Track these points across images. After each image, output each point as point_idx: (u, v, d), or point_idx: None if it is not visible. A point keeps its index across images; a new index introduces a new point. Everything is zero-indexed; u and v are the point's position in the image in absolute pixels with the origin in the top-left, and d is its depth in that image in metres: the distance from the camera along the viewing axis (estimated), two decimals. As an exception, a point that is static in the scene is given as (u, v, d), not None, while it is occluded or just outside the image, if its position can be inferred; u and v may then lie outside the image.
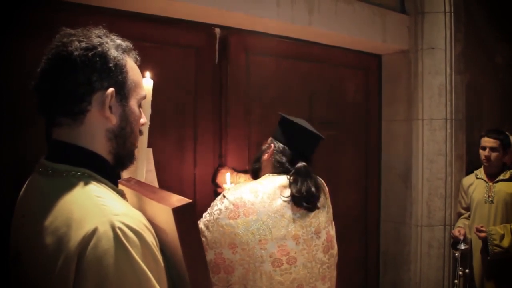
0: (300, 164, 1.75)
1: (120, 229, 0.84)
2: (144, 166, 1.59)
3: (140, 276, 0.84)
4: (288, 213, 1.66)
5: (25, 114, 1.93)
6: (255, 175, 1.88)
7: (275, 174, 1.77)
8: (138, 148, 1.50)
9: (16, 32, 1.99)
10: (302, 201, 1.69)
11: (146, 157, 1.64)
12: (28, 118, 1.92)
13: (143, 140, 1.53)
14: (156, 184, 2.11)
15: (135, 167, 1.56)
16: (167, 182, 2.27)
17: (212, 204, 1.70)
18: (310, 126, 1.84)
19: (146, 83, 1.53)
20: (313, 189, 1.72)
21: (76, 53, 0.93)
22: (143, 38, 2.36)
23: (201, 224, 1.66)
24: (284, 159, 1.78)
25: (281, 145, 1.80)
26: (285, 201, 1.68)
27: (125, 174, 1.54)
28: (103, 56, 0.96)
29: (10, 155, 1.99)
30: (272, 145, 1.81)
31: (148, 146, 1.68)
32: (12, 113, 1.99)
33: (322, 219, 1.76)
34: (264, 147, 1.87)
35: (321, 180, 1.86)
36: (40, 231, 0.87)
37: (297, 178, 1.72)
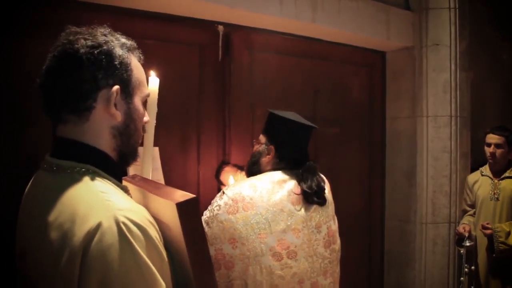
0: (309, 162, 1.79)
1: (124, 223, 0.84)
2: (150, 165, 1.59)
3: (144, 270, 0.85)
4: (288, 207, 1.67)
5: (25, 113, 1.94)
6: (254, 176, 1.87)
7: (275, 170, 1.78)
8: (145, 146, 1.51)
9: (16, 32, 1.99)
10: (314, 196, 1.73)
11: (152, 155, 1.64)
12: (29, 117, 1.93)
13: (149, 139, 1.53)
14: (162, 183, 2.11)
15: (141, 166, 1.56)
16: (171, 180, 2.27)
17: (212, 201, 1.71)
18: (301, 118, 1.85)
19: (153, 82, 1.53)
20: (322, 184, 1.77)
21: (82, 50, 0.94)
22: (146, 36, 2.36)
23: (201, 220, 1.67)
24: (287, 157, 1.79)
25: (281, 143, 1.81)
26: (289, 196, 1.69)
27: (132, 173, 1.54)
28: (109, 54, 0.97)
29: (10, 155, 1.99)
30: (272, 146, 1.81)
31: (154, 145, 1.68)
32: (12, 113, 2.00)
33: (323, 213, 1.77)
34: (260, 148, 1.86)
35: (322, 175, 1.87)
36: (45, 226, 0.88)
37: (307, 175, 1.75)
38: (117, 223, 0.84)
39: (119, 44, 1.00)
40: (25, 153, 1.97)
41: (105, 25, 1.04)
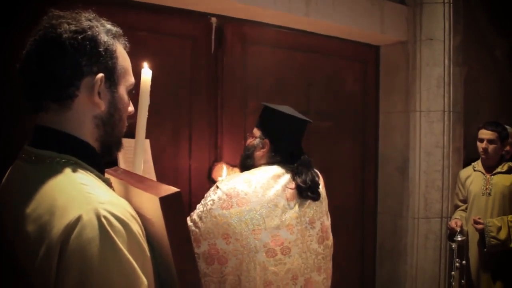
0: (303, 156, 1.78)
1: (105, 217, 0.81)
2: (142, 157, 1.57)
3: (125, 266, 0.82)
4: (282, 202, 1.66)
5: (18, 104, 1.91)
6: (248, 170, 1.86)
7: (269, 165, 1.76)
8: (137, 139, 1.49)
9: (15, 25, 1.95)
10: (308, 191, 1.71)
11: (144, 148, 1.62)
12: (22, 109, 1.90)
13: (141, 131, 1.51)
14: (153, 175, 2.10)
15: (133, 158, 1.54)
16: (162, 173, 2.26)
17: (205, 195, 1.69)
18: (296, 112, 1.83)
19: (145, 74, 1.51)
20: (316, 178, 1.76)
21: (65, 35, 0.90)
22: (138, 27, 2.33)
23: (194, 215, 1.65)
24: (278, 152, 1.78)
25: (276, 137, 1.79)
26: (283, 191, 1.67)
27: (122, 166, 1.52)
28: (93, 40, 0.93)
29: (2, 146, 1.97)
30: (267, 140, 1.79)
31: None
32: (6, 105, 1.97)
33: (317, 209, 1.76)
34: (255, 142, 1.84)
35: (317, 171, 1.86)
36: (22, 218, 0.85)
37: (302, 169, 1.73)
38: (98, 216, 0.80)
39: (104, 30, 0.97)
40: (20, 146, 1.95)
41: (89, 10, 1.00)
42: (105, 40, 0.95)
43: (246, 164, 1.86)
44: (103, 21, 0.99)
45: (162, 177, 2.18)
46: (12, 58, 1.88)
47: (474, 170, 3.19)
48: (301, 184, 1.70)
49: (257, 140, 1.83)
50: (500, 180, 3.06)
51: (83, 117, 0.95)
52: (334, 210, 1.93)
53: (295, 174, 1.73)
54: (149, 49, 2.30)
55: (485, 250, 2.92)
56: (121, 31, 1.03)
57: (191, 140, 2.58)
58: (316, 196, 1.74)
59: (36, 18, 1.97)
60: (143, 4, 2.35)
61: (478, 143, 3.15)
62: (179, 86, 2.54)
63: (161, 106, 2.41)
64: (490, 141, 3.08)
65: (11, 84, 1.90)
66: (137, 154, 1.53)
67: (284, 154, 1.77)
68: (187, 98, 2.57)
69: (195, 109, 2.58)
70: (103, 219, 0.81)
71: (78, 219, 0.80)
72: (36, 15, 1.94)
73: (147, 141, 2.08)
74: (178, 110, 2.54)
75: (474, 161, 3.25)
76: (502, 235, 2.85)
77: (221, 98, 2.67)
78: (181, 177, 2.54)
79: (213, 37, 2.65)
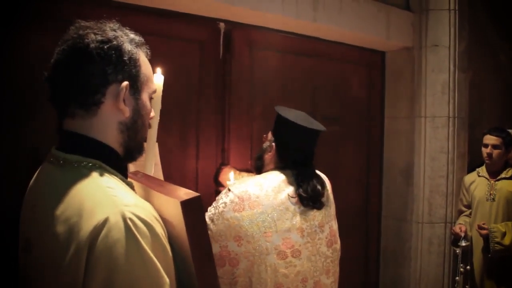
0: (306, 167, 1.78)
1: (130, 219, 0.84)
2: (153, 160, 1.59)
3: (150, 266, 0.85)
4: (293, 206, 1.68)
5: (27, 106, 1.93)
6: (259, 171, 1.88)
7: (279, 169, 1.77)
8: (148, 142, 1.51)
9: (17, 24, 1.99)
10: (309, 201, 1.71)
11: (154, 151, 1.65)
12: (30, 110, 1.93)
13: (153, 135, 1.54)
14: (161, 178, 2.12)
15: (144, 161, 1.57)
16: (169, 176, 2.28)
17: (217, 197, 1.71)
18: (308, 119, 1.81)
19: (157, 79, 1.54)
20: (318, 187, 1.75)
21: (92, 45, 0.94)
22: (147, 31, 2.33)
23: (206, 217, 1.67)
24: (286, 157, 1.79)
25: (282, 143, 1.80)
26: (291, 197, 1.69)
27: (133, 168, 1.55)
28: (118, 49, 0.97)
29: (11, 148, 1.99)
30: (273, 144, 1.81)
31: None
32: (14, 106, 1.99)
33: (326, 213, 1.77)
34: (265, 145, 1.86)
35: (324, 176, 1.87)
36: (51, 220, 0.88)
37: (303, 179, 1.73)
38: (124, 219, 0.84)
39: (128, 40, 1.01)
40: (27, 147, 1.97)
41: (114, 20, 1.03)
42: (129, 49, 0.99)
43: (257, 165, 1.90)
44: (127, 31, 1.03)
45: (169, 179, 2.19)
46: (12, 58, 1.93)
47: (479, 176, 3.20)
48: (302, 194, 1.71)
49: (267, 143, 1.85)
50: (504, 186, 3.07)
51: (108, 123, 0.99)
52: (338, 213, 1.94)
53: (296, 184, 1.73)
54: (158, 53, 2.30)
55: (490, 255, 2.92)
56: (143, 39, 1.07)
57: (199, 143, 2.61)
58: (317, 205, 1.74)
59: (36, 17, 2.01)
60: (152, 9, 2.38)
61: (483, 149, 3.16)
62: (187, 89, 2.57)
63: (169, 109, 2.43)
64: (494, 147, 3.10)
65: (11, 83, 1.95)
66: (148, 157, 1.56)
67: (290, 161, 1.78)
68: (195, 101, 2.60)
69: (202, 112, 2.61)
70: (128, 221, 0.84)
71: (105, 221, 0.83)
72: (36, 15, 1.99)
73: (156, 144, 2.10)
74: (186, 113, 2.56)
75: (478, 166, 3.26)
76: (507, 240, 2.85)
77: (228, 102, 2.70)
78: (188, 179, 2.56)
79: (221, 42, 2.68)
